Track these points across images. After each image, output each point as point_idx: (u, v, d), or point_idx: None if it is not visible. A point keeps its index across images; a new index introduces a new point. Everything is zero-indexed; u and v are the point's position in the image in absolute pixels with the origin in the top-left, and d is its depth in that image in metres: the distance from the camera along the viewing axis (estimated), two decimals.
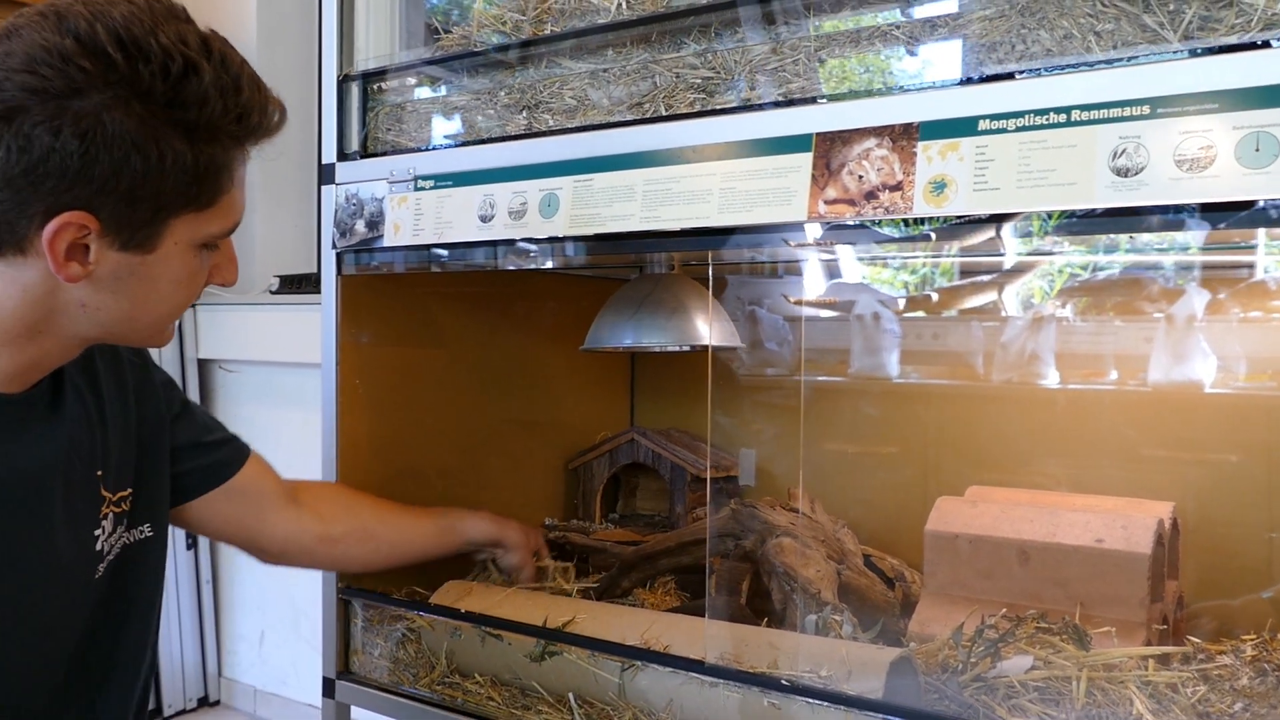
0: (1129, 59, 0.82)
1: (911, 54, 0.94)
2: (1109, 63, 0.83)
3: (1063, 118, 0.83)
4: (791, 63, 1.01)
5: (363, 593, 1.33)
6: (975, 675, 0.98)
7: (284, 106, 0.89)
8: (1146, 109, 0.80)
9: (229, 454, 1.15)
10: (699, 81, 1.06)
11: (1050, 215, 0.84)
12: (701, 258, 1.45)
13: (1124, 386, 1.41)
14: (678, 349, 1.43)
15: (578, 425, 1.73)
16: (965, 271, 1.55)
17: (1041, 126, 0.84)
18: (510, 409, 1.62)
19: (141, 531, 1.03)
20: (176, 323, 0.95)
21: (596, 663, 1.10)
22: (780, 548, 1.19)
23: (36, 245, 0.80)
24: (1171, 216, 0.80)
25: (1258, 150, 0.75)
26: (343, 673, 1.35)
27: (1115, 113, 0.81)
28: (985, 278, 1.54)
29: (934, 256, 1.41)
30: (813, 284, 1.54)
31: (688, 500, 1.56)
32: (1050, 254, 1.41)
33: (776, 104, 0.99)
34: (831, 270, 1.50)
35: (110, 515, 0.98)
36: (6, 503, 0.88)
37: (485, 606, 1.23)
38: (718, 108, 1.04)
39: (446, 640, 1.24)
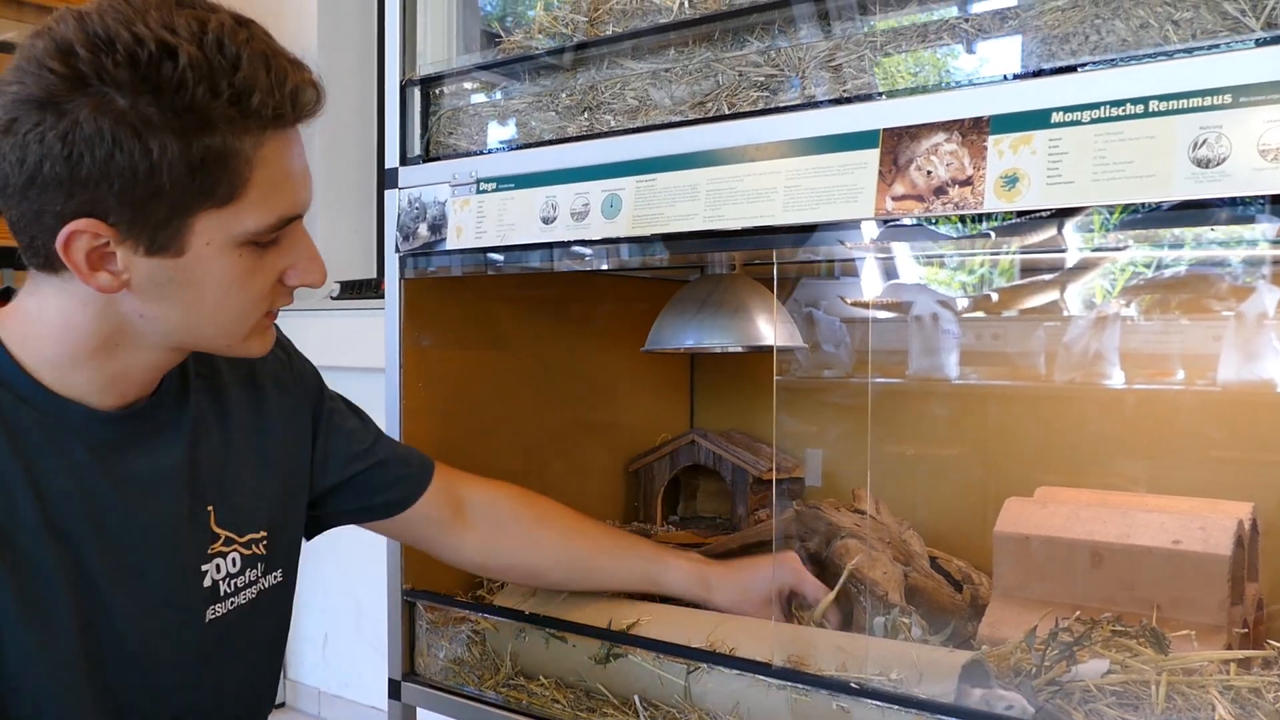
0: (1209, 47, 0.80)
1: (980, 47, 0.92)
2: (1188, 52, 0.81)
3: (1140, 109, 0.81)
4: (856, 58, 1.00)
5: (427, 595, 1.34)
6: (1050, 679, 0.96)
7: (319, 86, 0.83)
8: (1228, 98, 0.78)
9: (399, 494, 1.13)
10: (762, 79, 1.06)
11: (1117, 210, 0.83)
12: (763, 257, 1.44)
13: (1193, 386, 1.38)
14: (739, 350, 1.43)
15: (638, 427, 1.73)
16: (1026, 270, 1.52)
17: (1118, 118, 0.82)
18: (571, 411, 1.63)
19: (275, 577, 1.02)
20: (269, 329, 0.93)
21: (661, 665, 1.10)
22: (846, 549, 1.18)
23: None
24: (1248, 210, 0.78)
25: None
26: (408, 675, 1.36)
27: (1195, 103, 0.79)
28: (1048, 276, 1.51)
29: (1007, 254, 1.39)
30: (874, 284, 1.52)
31: (749, 502, 1.55)
32: (1119, 249, 1.38)
33: (842, 100, 0.98)
34: (891, 270, 1.48)
35: (235, 556, 0.96)
36: (104, 518, 0.87)
37: (549, 608, 1.23)
38: (781, 105, 1.03)
39: (511, 642, 1.25)
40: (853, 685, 0.95)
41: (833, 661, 1.00)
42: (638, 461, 1.68)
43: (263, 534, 0.99)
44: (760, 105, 1.05)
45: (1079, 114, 0.84)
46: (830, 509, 1.28)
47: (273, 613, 1.04)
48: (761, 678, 1.02)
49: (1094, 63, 0.85)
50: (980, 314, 1.55)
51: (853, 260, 1.32)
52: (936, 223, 0.90)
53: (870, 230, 0.94)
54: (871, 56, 0.99)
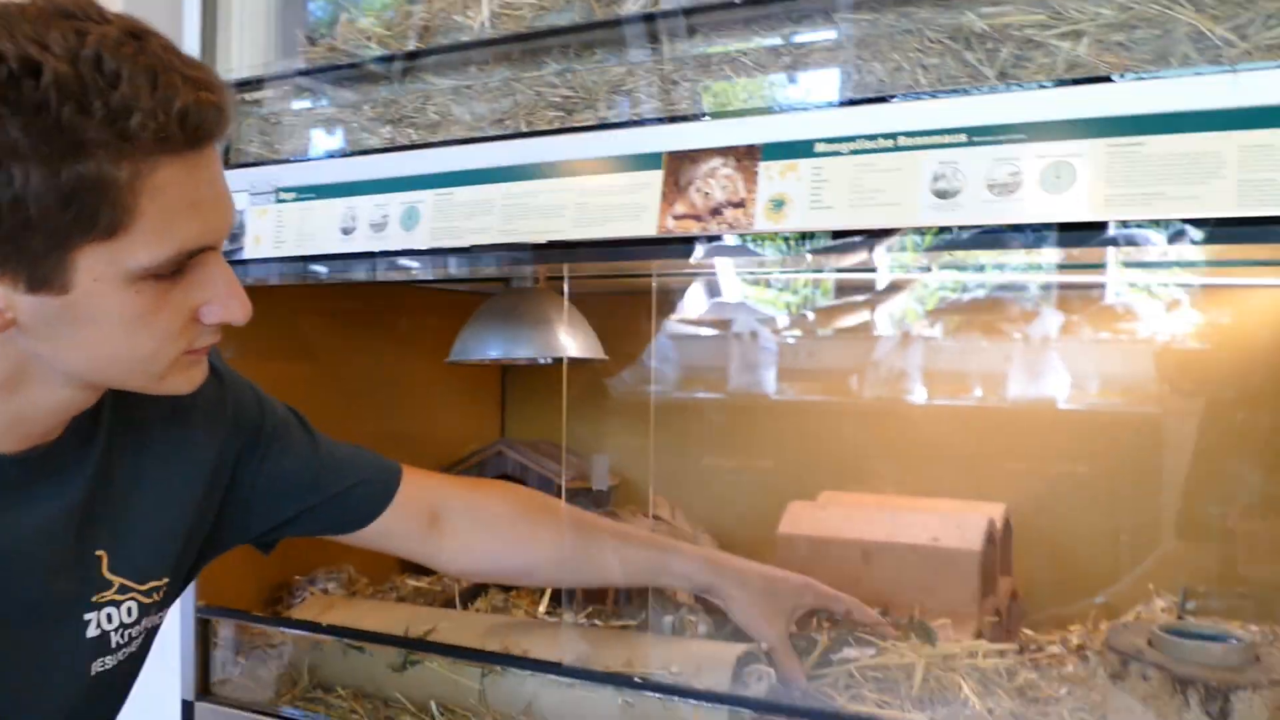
0: (951, 92, 0.89)
1: (756, 80, 0.99)
2: (933, 94, 0.90)
3: (890, 143, 0.90)
4: (646, 84, 1.05)
5: (222, 611, 1.31)
6: (818, 659, 1.03)
7: (221, 104, 0.73)
8: (964, 137, 0.87)
9: (358, 513, 1.05)
10: (559, 100, 1.10)
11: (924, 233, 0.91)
12: (572, 271, 1.48)
13: (973, 401, 1.50)
14: (543, 361, 1.46)
15: (448, 439, 1.74)
16: (839, 291, 1.63)
17: (871, 150, 0.90)
18: (379, 423, 1.62)
19: (161, 617, 0.94)
20: (195, 365, 0.82)
21: (458, 670, 1.12)
22: None
23: None
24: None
25: (1058, 178, 0.82)
26: (202, 694, 1.32)
27: (936, 140, 0.88)
28: (849, 300, 1.62)
29: (783, 272, 1.48)
30: (691, 304, 1.60)
31: None
32: (880, 272, 1.49)
33: (630, 123, 1.03)
34: (712, 289, 1.56)
35: (132, 605, 0.88)
36: None
37: (348, 619, 1.23)
38: (575, 126, 1.07)
39: (309, 655, 1.24)
40: (636, 680, 1.00)
41: (620, 659, 1.04)
42: (446, 473, 1.69)
43: (165, 580, 0.91)
44: (556, 125, 1.09)
45: (839, 145, 0.91)
46: (628, 515, 1.32)
47: (146, 652, 0.95)
48: (552, 677, 1.05)
49: (853, 100, 0.94)
50: (788, 332, 1.64)
51: (646, 276, 1.39)
52: (759, 241, 0.96)
53: (666, 244, 0.99)
54: (660, 84, 1.04)
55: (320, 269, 1.22)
